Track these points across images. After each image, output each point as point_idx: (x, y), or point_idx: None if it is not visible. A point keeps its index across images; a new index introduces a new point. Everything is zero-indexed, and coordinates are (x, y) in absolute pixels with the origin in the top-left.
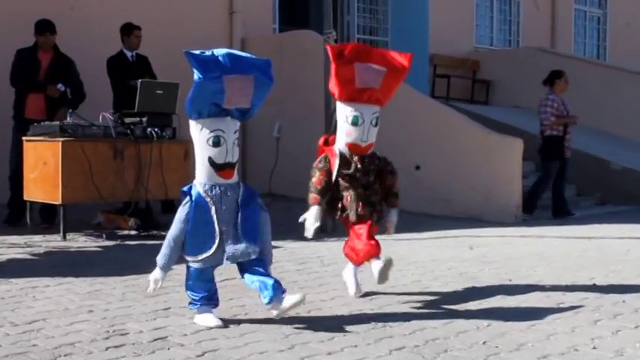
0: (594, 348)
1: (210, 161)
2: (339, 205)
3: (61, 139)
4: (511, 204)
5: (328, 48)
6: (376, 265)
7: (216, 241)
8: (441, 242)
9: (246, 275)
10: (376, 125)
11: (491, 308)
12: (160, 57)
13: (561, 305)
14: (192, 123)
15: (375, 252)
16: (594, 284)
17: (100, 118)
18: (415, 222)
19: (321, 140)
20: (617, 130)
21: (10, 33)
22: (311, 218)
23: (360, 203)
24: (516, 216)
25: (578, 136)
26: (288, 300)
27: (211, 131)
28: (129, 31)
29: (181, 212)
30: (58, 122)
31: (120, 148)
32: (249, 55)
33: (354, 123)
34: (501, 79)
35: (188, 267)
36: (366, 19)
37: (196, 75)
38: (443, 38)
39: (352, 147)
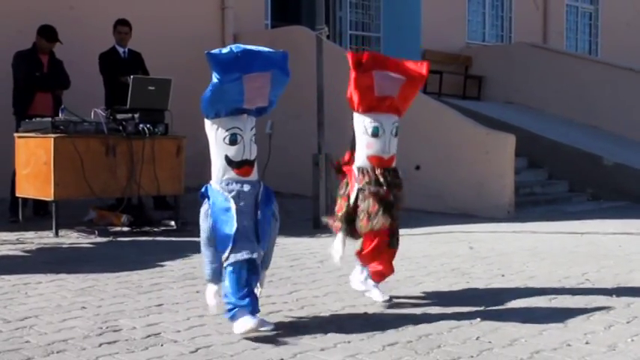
0: (587, 343)
1: (227, 159)
2: (364, 220)
3: (53, 135)
4: (503, 199)
5: (349, 56)
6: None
7: (238, 233)
8: (434, 238)
9: None
10: (396, 135)
11: (484, 304)
12: (152, 53)
13: (554, 300)
14: (207, 122)
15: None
16: (586, 279)
17: (92, 114)
18: (408, 218)
19: (346, 157)
20: (609, 126)
21: (10, 32)
22: (337, 247)
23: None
24: (508, 211)
25: (570, 131)
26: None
27: (228, 129)
28: (114, 27)
29: (201, 212)
30: (49, 118)
31: (112, 145)
32: (265, 49)
33: (375, 134)
34: (493, 74)
35: (226, 269)
36: (358, 15)
37: (215, 77)
38: (435, 34)
39: (374, 160)
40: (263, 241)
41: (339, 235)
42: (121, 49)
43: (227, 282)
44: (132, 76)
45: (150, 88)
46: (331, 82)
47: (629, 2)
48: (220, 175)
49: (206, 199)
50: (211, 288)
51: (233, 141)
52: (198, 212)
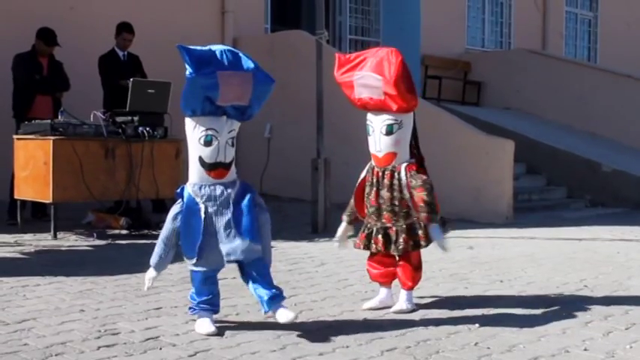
0: (585, 349)
1: (201, 161)
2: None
3: (52, 137)
4: (502, 205)
5: (336, 58)
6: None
7: (204, 242)
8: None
9: (250, 284)
10: (388, 134)
11: (483, 309)
12: (151, 56)
13: (552, 307)
14: (187, 120)
15: (374, 277)
16: (585, 286)
17: (92, 117)
18: None
19: None
20: (608, 133)
21: (10, 33)
22: (338, 233)
23: (362, 233)
24: (507, 217)
25: (568, 138)
26: (282, 316)
27: (204, 130)
28: (118, 31)
29: (171, 212)
30: (49, 121)
31: (111, 147)
32: (246, 55)
33: (368, 133)
34: (492, 80)
35: (190, 271)
36: (357, 20)
37: (188, 70)
38: (434, 39)
39: (373, 157)
40: (251, 232)
41: (341, 225)
42: (120, 52)
43: (191, 282)
44: (131, 79)
45: (149, 91)
46: (331, 86)
47: (627, 9)
48: (194, 176)
49: (180, 200)
50: (152, 272)
51: (207, 142)
52: None
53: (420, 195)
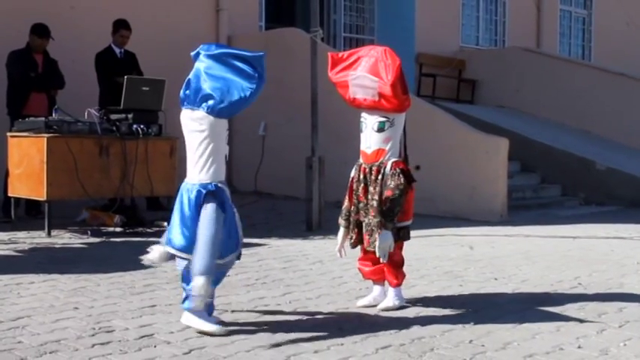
0: (579, 347)
1: (225, 159)
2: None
3: (47, 135)
4: (496, 203)
5: (329, 57)
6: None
7: (240, 240)
8: (427, 241)
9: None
10: (379, 131)
11: (477, 307)
12: (146, 54)
13: (546, 304)
14: (219, 121)
15: (366, 275)
16: (579, 284)
17: (86, 114)
18: None
19: None
20: (602, 131)
21: (10, 32)
22: (338, 241)
23: (355, 229)
24: (501, 215)
25: (562, 136)
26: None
27: (227, 129)
28: (116, 28)
29: (215, 213)
30: (43, 118)
31: (105, 145)
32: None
33: (361, 130)
34: (487, 78)
35: (222, 269)
36: (352, 18)
37: (257, 76)
38: (429, 37)
39: (361, 154)
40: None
41: (340, 231)
42: (117, 50)
43: (213, 279)
44: (126, 77)
45: (144, 88)
46: (325, 84)
47: (621, 7)
48: (221, 174)
49: (214, 201)
50: (203, 280)
51: (228, 140)
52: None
53: (386, 197)
